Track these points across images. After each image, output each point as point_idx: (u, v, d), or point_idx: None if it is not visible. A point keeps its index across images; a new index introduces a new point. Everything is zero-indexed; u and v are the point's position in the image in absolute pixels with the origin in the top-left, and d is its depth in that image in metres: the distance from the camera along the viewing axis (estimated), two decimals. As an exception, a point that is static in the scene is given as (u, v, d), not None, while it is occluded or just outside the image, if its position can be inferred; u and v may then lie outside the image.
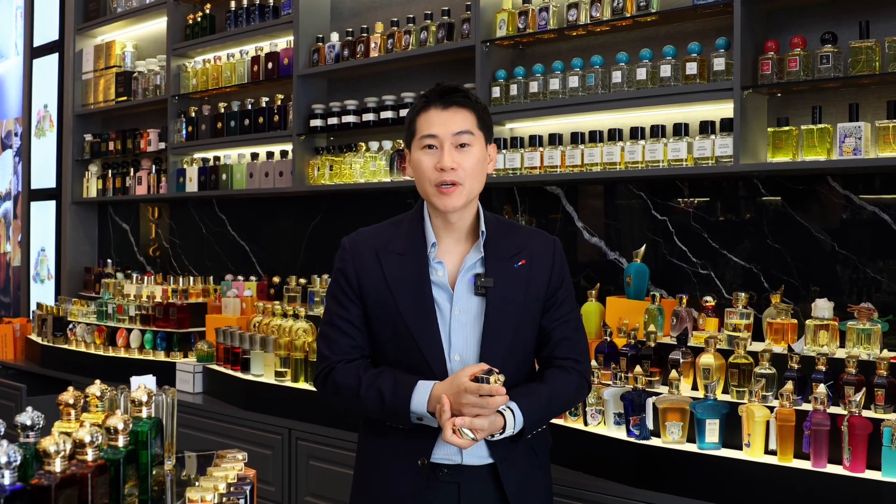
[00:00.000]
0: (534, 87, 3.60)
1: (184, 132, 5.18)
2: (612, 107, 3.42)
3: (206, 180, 5.03)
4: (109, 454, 1.55)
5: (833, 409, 2.49)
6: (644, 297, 3.27)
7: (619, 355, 2.99)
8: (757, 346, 2.82)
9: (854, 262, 3.04)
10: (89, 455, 1.48)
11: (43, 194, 6.45)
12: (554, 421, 2.82)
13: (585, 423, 2.91)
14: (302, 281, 4.32)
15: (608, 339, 3.06)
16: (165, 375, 4.30)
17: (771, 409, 2.54)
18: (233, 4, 4.90)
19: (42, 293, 6.42)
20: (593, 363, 2.97)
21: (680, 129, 3.25)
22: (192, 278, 4.94)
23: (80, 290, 5.96)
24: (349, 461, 2.67)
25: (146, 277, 5.14)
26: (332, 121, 4.39)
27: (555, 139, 3.60)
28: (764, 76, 3.01)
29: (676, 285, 3.42)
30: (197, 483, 1.61)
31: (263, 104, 4.80)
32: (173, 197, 5.33)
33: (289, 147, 4.62)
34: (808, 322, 2.76)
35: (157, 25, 5.62)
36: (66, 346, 5.06)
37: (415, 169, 2.10)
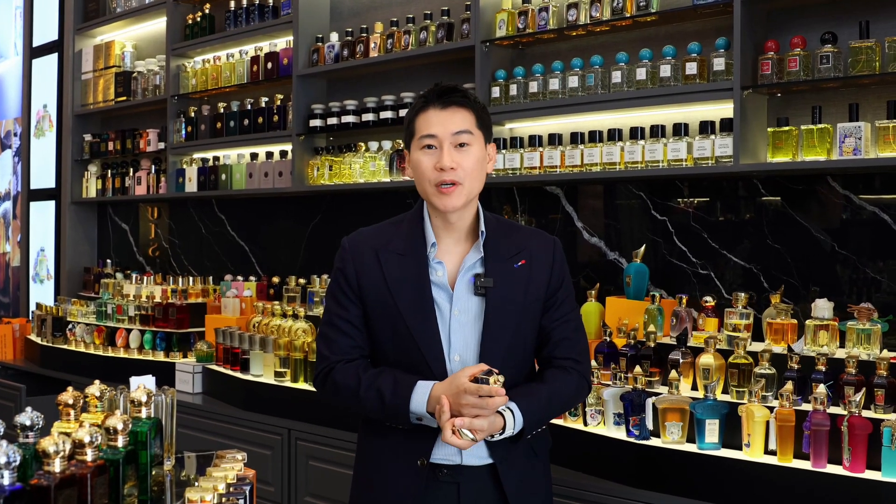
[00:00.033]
0: (533, 87, 3.60)
1: (183, 132, 5.18)
2: (612, 107, 3.41)
3: (206, 180, 5.03)
4: (109, 454, 1.55)
5: (833, 410, 2.49)
6: (644, 298, 3.27)
7: (618, 355, 2.99)
8: (757, 347, 2.82)
9: (854, 262, 3.04)
10: (89, 455, 1.48)
11: (42, 194, 6.45)
12: (554, 421, 2.82)
13: (585, 424, 2.91)
14: (301, 281, 4.31)
15: (608, 339, 3.06)
16: (165, 376, 4.29)
17: (771, 409, 2.54)
18: (232, 4, 4.90)
19: (41, 293, 6.42)
20: (593, 363, 2.97)
21: (680, 129, 3.24)
22: (191, 278, 4.93)
23: (80, 290, 5.96)
24: (349, 461, 2.66)
25: (145, 277, 5.14)
26: (332, 121, 4.39)
27: (554, 139, 3.60)
28: (764, 76, 3.01)
29: (676, 285, 3.42)
30: (196, 483, 1.61)
31: (263, 104, 4.79)
32: (173, 197, 5.33)
33: (288, 147, 4.62)
34: (807, 322, 2.75)
35: (157, 25, 5.62)
36: (65, 347, 5.06)
37: (414, 169, 2.10)
